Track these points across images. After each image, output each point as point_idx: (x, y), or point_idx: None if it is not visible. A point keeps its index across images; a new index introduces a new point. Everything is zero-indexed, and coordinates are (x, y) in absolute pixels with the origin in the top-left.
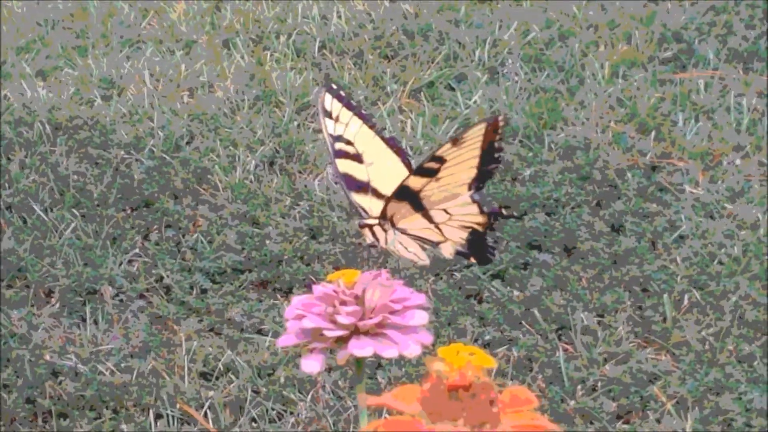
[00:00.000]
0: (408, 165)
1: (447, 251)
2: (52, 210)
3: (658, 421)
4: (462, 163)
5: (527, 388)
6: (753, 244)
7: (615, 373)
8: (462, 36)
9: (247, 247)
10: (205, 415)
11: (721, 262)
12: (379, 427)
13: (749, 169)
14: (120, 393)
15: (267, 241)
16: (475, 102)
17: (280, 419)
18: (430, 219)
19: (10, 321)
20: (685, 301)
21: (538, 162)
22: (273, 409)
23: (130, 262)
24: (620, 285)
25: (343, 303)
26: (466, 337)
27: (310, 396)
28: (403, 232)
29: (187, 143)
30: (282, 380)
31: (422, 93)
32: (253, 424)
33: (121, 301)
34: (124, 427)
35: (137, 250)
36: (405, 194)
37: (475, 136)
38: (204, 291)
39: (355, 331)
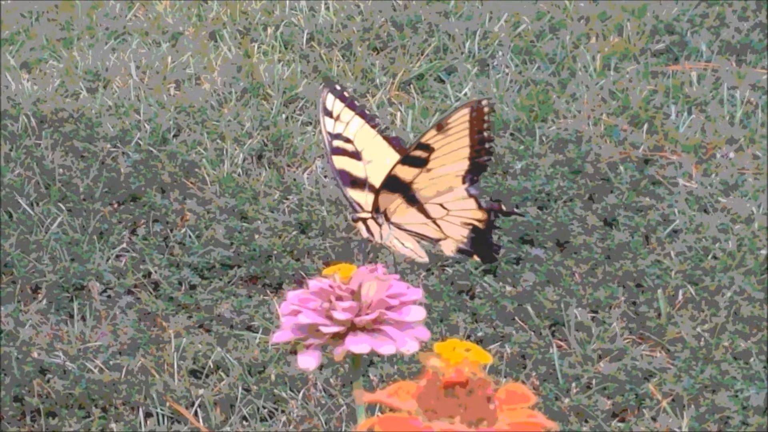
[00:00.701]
0: None
1: (448, 249)
2: (38, 204)
3: (654, 419)
4: (451, 153)
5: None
6: (747, 238)
7: (610, 371)
8: (452, 28)
9: (235, 241)
10: (196, 413)
11: (715, 257)
12: (375, 425)
13: (743, 162)
14: (109, 391)
15: (256, 236)
16: (465, 94)
17: (271, 417)
18: (426, 214)
19: None
20: (680, 297)
21: (529, 155)
22: (264, 408)
23: (117, 257)
24: (614, 280)
25: (339, 298)
26: (459, 334)
27: (301, 394)
28: (399, 227)
29: (174, 136)
30: (273, 378)
31: (412, 85)
32: (244, 422)
33: (109, 297)
34: (113, 425)
35: (124, 245)
36: (395, 185)
37: (461, 121)
38: (193, 287)
39: (352, 327)
